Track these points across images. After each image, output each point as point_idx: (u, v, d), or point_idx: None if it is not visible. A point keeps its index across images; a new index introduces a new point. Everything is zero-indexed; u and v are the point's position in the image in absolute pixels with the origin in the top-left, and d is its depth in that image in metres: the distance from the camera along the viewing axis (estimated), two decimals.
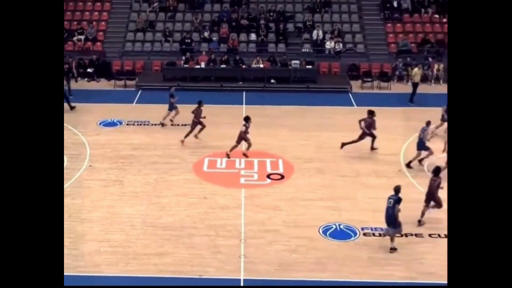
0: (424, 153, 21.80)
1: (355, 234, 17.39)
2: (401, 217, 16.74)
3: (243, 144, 22.63)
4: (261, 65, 32.08)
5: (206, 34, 34.79)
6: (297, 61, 31.97)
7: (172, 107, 25.44)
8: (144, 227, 17.73)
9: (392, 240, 16.57)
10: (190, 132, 23.72)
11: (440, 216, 18.15)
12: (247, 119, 22.56)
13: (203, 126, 23.80)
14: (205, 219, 18.23)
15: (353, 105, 29.02)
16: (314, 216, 18.36)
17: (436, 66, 32.57)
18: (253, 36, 34.95)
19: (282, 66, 32.17)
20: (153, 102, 28.15)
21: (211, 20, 36.11)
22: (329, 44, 33.99)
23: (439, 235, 17.31)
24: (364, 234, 17.34)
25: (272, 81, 31.58)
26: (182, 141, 23.69)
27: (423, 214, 18.00)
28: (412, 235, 17.33)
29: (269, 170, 21.60)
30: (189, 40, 34.26)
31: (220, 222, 18.00)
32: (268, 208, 18.92)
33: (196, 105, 23.62)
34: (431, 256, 16.36)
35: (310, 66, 32.13)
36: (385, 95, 30.66)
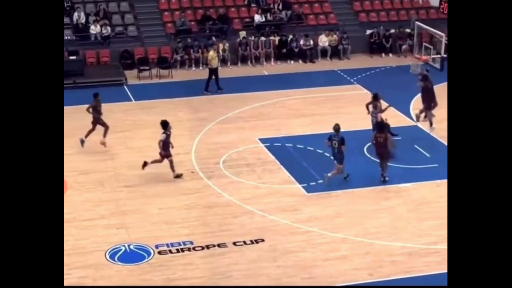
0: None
1: (149, 254, 17.05)
2: (201, 225, 18.10)
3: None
4: None
5: None
6: None
7: None
8: None
9: (339, 171, 20.17)
10: (92, 130, 23.05)
11: (243, 221, 18.40)
12: (165, 124, 20.82)
13: (107, 127, 23.00)
14: None
15: (130, 100, 28.79)
16: (98, 238, 17.80)
17: (221, 46, 32.86)
18: None
19: None
20: None
21: None
22: (94, 29, 33.30)
23: (244, 242, 17.45)
24: (159, 253, 17.06)
25: None
26: (82, 139, 23.03)
27: (382, 168, 20.59)
28: (214, 246, 17.33)
29: None
30: None
31: None
32: None
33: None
34: (239, 267, 16.46)
35: (74, 57, 31.45)
36: (166, 85, 30.72)
